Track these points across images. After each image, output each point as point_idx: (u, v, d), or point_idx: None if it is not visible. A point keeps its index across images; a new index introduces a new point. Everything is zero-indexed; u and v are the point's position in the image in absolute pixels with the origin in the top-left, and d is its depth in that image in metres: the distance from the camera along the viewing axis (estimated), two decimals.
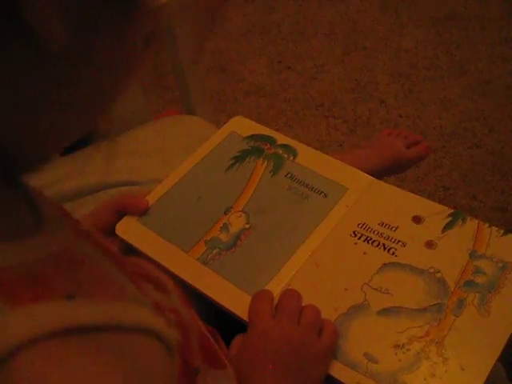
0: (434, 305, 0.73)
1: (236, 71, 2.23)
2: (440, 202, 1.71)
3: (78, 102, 0.38)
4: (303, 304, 0.73)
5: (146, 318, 0.41)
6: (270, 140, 0.96)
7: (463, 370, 0.67)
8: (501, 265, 0.76)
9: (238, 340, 0.71)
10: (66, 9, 0.32)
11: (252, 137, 0.97)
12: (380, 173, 1.19)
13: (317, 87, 2.14)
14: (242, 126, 1.00)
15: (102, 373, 0.35)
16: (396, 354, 0.69)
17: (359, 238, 0.81)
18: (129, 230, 0.86)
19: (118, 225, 0.85)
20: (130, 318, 0.39)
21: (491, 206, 1.74)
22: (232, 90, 2.17)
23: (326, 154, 0.95)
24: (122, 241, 0.85)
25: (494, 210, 1.73)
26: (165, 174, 0.94)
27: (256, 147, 0.95)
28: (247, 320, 0.73)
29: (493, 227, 0.80)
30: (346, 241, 0.82)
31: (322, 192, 0.88)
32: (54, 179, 1.09)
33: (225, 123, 1.00)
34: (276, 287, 0.77)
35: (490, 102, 2.02)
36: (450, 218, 0.82)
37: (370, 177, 0.90)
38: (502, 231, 0.79)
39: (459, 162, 1.86)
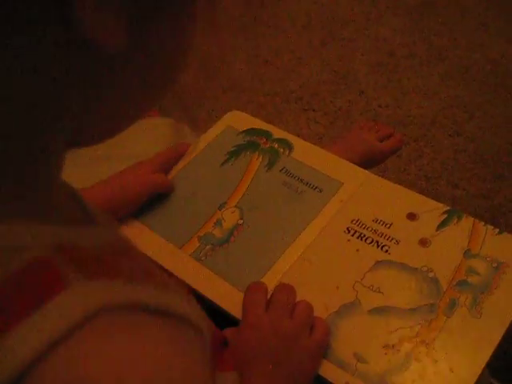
0: (426, 305, 0.72)
1: (213, 67, 2.21)
2: (422, 191, 1.71)
3: (136, 93, 0.40)
4: (296, 300, 0.73)
5: (188, 310, 0.41)
6: (266, 134, 0.95)
7: (452, 371, 0.66)
8: (495, 265, 0.74)
9: (227, 333, 0.70)
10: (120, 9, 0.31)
11: (248, 131, 0.96)
12: None
13: (295, 80, 2.13)
14: (238, 121, 0.99)
15: (165, 352, 0.36)
16: (386, 354, 0.68)
17: (352, 235, 0.80)
18: (123, 225, 0.85)
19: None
20: (178, 308, 0.40)
21: (474, 194, 1.74)
22: (210, 86, 2.15)
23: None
24: None
25: (477, 198, 1.73)
26: None
27: (252, 142, 0.95)
28: (236, 316, 0.73)
29: (488, 226, 0.79)
30: (340, 237, 0.81)
31: (316, 187, 0.87)
32: None
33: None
34: (268, 283, 0.77)
35: (469, 88, 2.01)
36: (445, 216, 0.81)
37: (366, 171, 0.89)
38: (498, 230, 0.78)
39: (440, 151, 1.86)
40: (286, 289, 0.73)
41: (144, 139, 1.16)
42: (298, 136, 0.94)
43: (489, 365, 0.84)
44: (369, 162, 1.25)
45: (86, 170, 1.09)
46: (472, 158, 1.83)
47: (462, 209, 1.66)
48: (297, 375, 0.66)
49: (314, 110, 2.02)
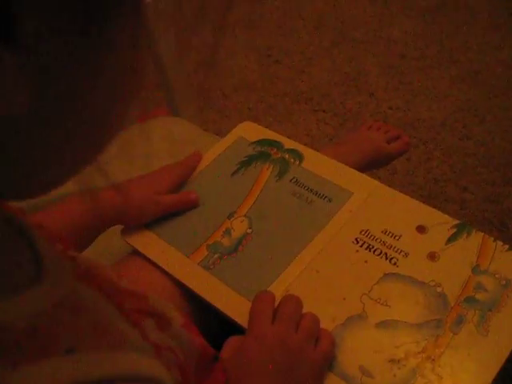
0: (433, 320, 0.72)
1: (224, 67, 2.22)
2: (430, 194, 1.72)
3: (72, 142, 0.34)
4: (303, 311, 0.73)
5: (146, 367, 0.40)
6: (277, 145, 0.96)
7: None
8: (504, 282, 0.74)
9: (231, 342, 0.70)
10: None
11: (259, 142, 0.97)
12: (362, 168, 1.19)
13: (306, 81, 2.13)
14: (250, 131, 0.99)
15: None
16: (391, 369, 0.68)
17: (361, 246, 0.80)
18: (133, 232, 0.86)
19: (122, 228, 0.86)
20: (130, 368, 0.38)
21: (483, 198, 1.73)
22: (221, 86, 2.15)
23: (316, 148, 0.94)
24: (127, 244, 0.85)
25: (486, 202, 1.72)
26: None
27: (262, 152, 0.95)
28: (243, 325, 0.73)
29: (497, 241, 0.78)
30: (348, 248, 0.81)
31: (326, 197, 0.87)
32: None
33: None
34: (275, 292, 0.77)
35: (480, 92, 2.01)
36: (454, 230, 0.81)
37: (375, 181, 0.89)
38: (507, 246, 0.77)
39: (450, 154, 1.85)
40: (292, 301, 0.73)
41: (154, 139, 1.16)
42: (308, 137, 0.95)
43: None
44: (375, 162, 1.25)
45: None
46: (481, 161, 1.82)
47: (470, 213, 1.67)
48: None
49: (323, 111, 2.02)
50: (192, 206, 0.88)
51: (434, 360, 0.68)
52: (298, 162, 0.93)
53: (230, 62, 2.23)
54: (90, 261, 0.53)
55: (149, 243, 0.85)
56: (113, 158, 1.12)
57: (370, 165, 1.23)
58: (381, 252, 0.79)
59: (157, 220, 0.87)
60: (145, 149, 1.13)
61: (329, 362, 0.69)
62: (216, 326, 0.75)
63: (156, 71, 1.29)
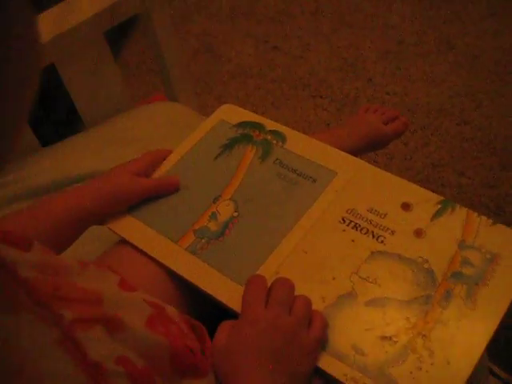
0: (422, 296, 0.73)
1: (222, 53, 2.21)
2: (428, 179, 1.73)
3: None
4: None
5: None
6: (259, 127, 0.96)
7: (449, 363, 0.67)
8: (489, 256, 0.75)
9: (225, 326, 0.70)
10: None
11: (241, 124, 0.97)
12: (359, 150, 1.19)
13: (304, 67, 2.13)
14: (231, 114, 0.99)
15: None
16: (383, 346, 0.69)
17: (348, 225, 0.81)
18: (118, 220, 0.85)
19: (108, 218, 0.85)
20: None
21: (480, 183, 1.74)
22: (218, 72, 2.15)
23: (314, 134, 0.94)
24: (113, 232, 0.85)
25: (483, 187, 1.73)
26: None
27: (245, 134, 0.95)
28: (234, 309, 0.73)
29: (482, 216, 0.79)
30: (335, 227, 0.81)
31: (310, 177, 0.87)
32: (35, 171, 1.09)
33: (211, 106, 1.00)
34: (264, 274, 0.77)
35: (477, 77, 2.01)
36: (439, 206, 0.81)
37: (359, 160, 0.89)
38: (491, 221, 0.78)
39: (447, 139, 1.86)
40: (284, 284, 0.73)
41: (152, 123, 1.16)
42: (306, 123, 0.95)
43: (488, 350, 0.85)
44: (373, 144, 1.25)
45: (96, 153, 1.11)
46: (479, 146, 1.83)
47: (467, 197, 1.68)
48: (296, 371, 0.66)
49: (321, 97, 2.02)
50: (173, 189, 0.88)
51: (424, 335, 0.69)
52: (280, 144, 0.92)
53: (227, 48, 2.23)
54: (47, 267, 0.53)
55: (135, 231, 0.84)
56: (110, 143, 1.13)
57: (368, 147, 1.24)
58: (367, 231, 0.80)
59: (141, 207, 0.86)
60: (142, 133, 1.14)
61: (321, 345, 0.69)
62: (213, 314, 0.76)
63: (154, 57, 1.29)
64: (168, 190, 0.88)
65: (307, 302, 0.72)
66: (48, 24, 1.06)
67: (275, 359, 0.65)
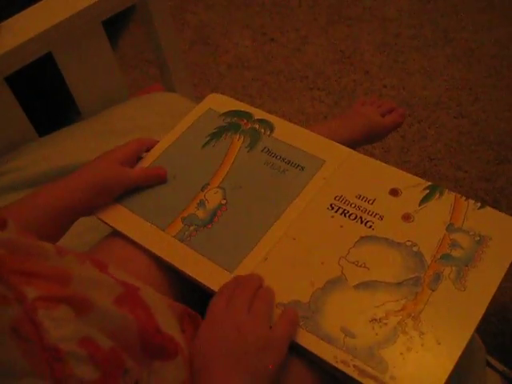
0: (411, 278, 0.73)
1: (219, 44, 2.21)
2: (425, 172, 1.73)
3: None
4: (283, 280, 0.74)
5: None
6: (247, 116, 0.96)
7: (439, 344, 0.68)
8: (477, 238, 0.76)
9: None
10: None
11: (228, 113, 0.97)
12: (357, 142, 1.19)
13: (301, 59, 2.12)
14: (219, 103, 0.99)
15: None
16: (373, 328, 0.70)
17: (336, 211, 0.82)
18: (106, 210, 0.86)
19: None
20: None
21: (476, 176, 1.74)
22: (215, 64, 2.15)
23: (310, 126, 0.94)
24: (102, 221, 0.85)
25: (479, 180, 1.73)
26: None
27: (232, 123, 0.95)
28: None
29: (469, 200, 0.80)
30: (323, 214, 0.82)
31: (298, 165, 0.88)
32: (31, 161, 1.09)
33: None
34: (252, 262, 0.78)
35: (474, 70, 2.01)
36: (427, 191, 0.82)
37: (347, 148, 0.90)
38: (479, 204, 0.79)
39: (444, 132, 1.86)
40: (247, 283, 0.73)
41: (149, 113, 1.16)
42: (303, 115, 0.95)
43: (485, 343, 0.86)
44: (371, 136, 1.25)
45: (93, 143, 1.10)
46: (476, 140, 1.83)
47: (464, 191, 1.68)
48: (258, 368, 0.65)
49: (318, 89, 2.02)
50: (161, 180, 0.88)
51: (414, 317, 0.70)
52: (268, 132, 0.93)
53: (224, 39, 2.22)
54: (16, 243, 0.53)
55: (123, 220, 0.85)
56: (108, 132, 1.12)
57: (366, 139, 1.24)
58: (356, 216, 0.81)
59: (129, 196, 0.87)
60: (139, 123, 1.13)
61: (288, 341, 0.69)
62: (204, 303, 0.76)
63: (151, 47, 1.29)
64: (156, 180, 0.88)
65: (268, 300, 0.72)
66: (46, 13, 1.05)
67: (233, 357, 0.65)
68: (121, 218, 0.85)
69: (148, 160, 0.91)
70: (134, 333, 0.56)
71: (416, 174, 0.85)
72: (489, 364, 0.89)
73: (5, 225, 0.56)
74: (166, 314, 0.67)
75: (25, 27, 1.03)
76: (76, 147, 1.11)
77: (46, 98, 1.60)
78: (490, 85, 1.96)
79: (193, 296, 0.80)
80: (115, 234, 0.84)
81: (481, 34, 2.12)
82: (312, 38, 2.19)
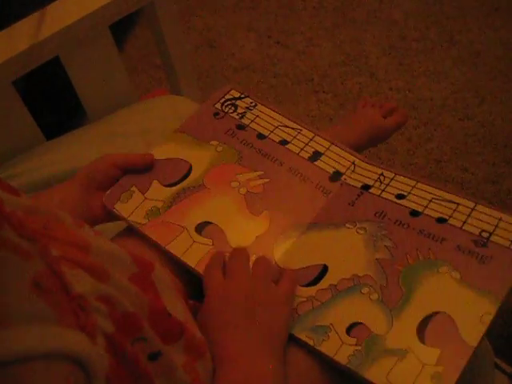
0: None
1: (225, 47, 2.21)
2: (431, 175, 1.73)
3: None
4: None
5: (41, 341, 0.39)
6: None
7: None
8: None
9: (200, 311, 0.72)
10: None
11: None
12: (361, 146, 1.20)
13: (306, 61, 2.13)
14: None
15: None
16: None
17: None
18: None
19: (105, 196, 0.84)
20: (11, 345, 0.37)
21: (483, 178, 1.74)
22: (221, 67, 2.15)
23: (317, 128, 0.95)
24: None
25: (486, 183, 1.73)
26: None
27: None
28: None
29: None
30: None
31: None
32: (39, 165, 1.09)
33: None
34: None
35: (480, 73, 2.01)
36: None
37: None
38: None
39: (450, 135, 1.86)
40: (238, 255, 0.76)
41: (156, 116, 1.16)
42: (309, 117, 0.95)
43: (494, 345, 0.85)
44: (374, 138, 1.25)
45: (100, 146, 1.11)
46: (482, 142, 1.83)
47: (470, 193, 1.67)
48: (269, 323, 0.68)
49: (324, 92, 2.02)
50: (147, 164, 0.87)
51: None
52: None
53: (230, 42, 2.22)
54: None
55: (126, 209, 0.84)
56: (117, 135, 1.13)
57: (370, 141, 1.24)
58: None
59: None
60: (146, 126, 1.14)
61: (292, 297, 0.72)
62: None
63: (158, 51, 1.29)
64: (140, 164, 0.87)
65: (265, 262, 0.74)
66: (54, 17, 1.06)
67: (244, 318, 0.67)
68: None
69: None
70: (145, 312, 0.56)
71: (422, 177, 0.85)
72: (497, 366, 0.89)
73: (19, 193, 0.56)
74: (174, 299, 0.68)
75: (33, 31, 1.04)
76: (83, 151, 1.12)
77: (54, 101, 1.60)
78: (496, 87, 1.96)
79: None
80: (123, 234, 0.84)
81: (486, 35, 2.12)
82: (317, 40, 2.19)
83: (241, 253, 0.76)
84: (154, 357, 0.52)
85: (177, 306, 0.66)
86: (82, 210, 0.82)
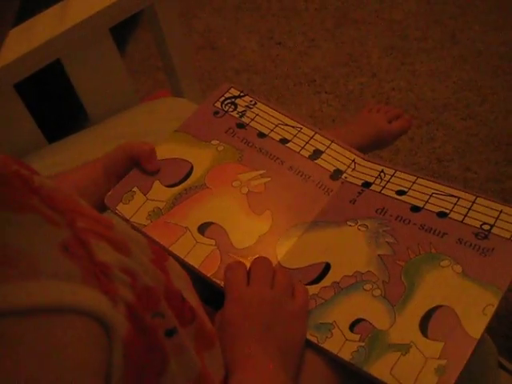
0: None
1: (226, 49, 2.21)
2: (434, 174, 1.73)
3: None
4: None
5: (69, 294, 0.40)
6: None
7: None
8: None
9: (217, 317, 0.71)
10: None
11: None
12: (364, 149, 1.20)
13: (308, 63, 2.13)
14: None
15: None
16: None
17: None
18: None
19: (107, 197, 0.84)
20: (44, 297, 0.38)
21: (485, 177, 1.74)
22: (223, 68, 2.15)
23: (319, 129, 0.95)
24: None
25: (488, 181, 1.73)
26: None
27: None
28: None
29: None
30: None
31: None
32: (41, 167, 1.09)
33: None
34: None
35: (482, 72, 2.01)
36: None
37: None
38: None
39: (452, 134, 1.85)
40: (262, 261, 0.75)
41: (158, 118, 1.17)
42: (311, 118, 0.95)
43: (498, 345, 0.85)
44: (378, 143, 1.27)
45: (101, 149, 1.11)
46: (484, 141, 1.82)
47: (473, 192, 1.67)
48: (287, 337, 0.68)
49: (326, 93, 2.02)
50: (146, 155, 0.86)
51: None
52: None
53: (231, 44, 2.22)
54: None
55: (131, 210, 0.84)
56: (117, 138, 1.13)
57: (373, 145, 1.25)
58: None
59: None
60: (148, 128, 1.14)
61: (307, 312, 0.72)
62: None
63: (159, 53, 1.29)
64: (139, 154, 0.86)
65: (287, 274, 0.74)
66: (54, 19, 1.06)
67: (265, 330, 0.67)
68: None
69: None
70: (161, 291, 0.56)
71: (425, 176, 0.85)
72: (500, 365, 0.89)
73: (38, 173, 0.57)
74: (186, 288, 0.68)
75: (33, 34, 1.04)
76: (85, 153, 1.12)
77: (55, 104, 1.60)
78: (498, 86, 1.96)
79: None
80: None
81: (488, 34, 2.11)
82: (319, 41, 2.19)
83: (264, 262, 0.75)
84: (170, 333, 0.53)
85: (189, 295, 0.66)
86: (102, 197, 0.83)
